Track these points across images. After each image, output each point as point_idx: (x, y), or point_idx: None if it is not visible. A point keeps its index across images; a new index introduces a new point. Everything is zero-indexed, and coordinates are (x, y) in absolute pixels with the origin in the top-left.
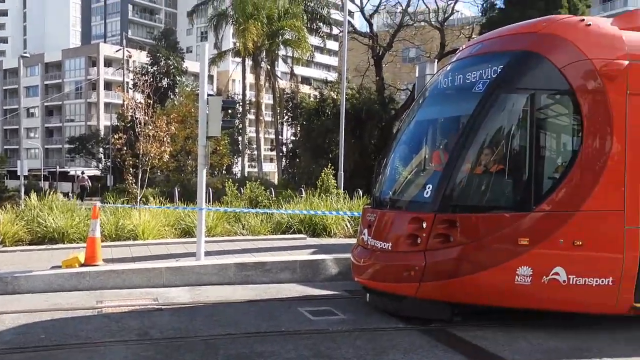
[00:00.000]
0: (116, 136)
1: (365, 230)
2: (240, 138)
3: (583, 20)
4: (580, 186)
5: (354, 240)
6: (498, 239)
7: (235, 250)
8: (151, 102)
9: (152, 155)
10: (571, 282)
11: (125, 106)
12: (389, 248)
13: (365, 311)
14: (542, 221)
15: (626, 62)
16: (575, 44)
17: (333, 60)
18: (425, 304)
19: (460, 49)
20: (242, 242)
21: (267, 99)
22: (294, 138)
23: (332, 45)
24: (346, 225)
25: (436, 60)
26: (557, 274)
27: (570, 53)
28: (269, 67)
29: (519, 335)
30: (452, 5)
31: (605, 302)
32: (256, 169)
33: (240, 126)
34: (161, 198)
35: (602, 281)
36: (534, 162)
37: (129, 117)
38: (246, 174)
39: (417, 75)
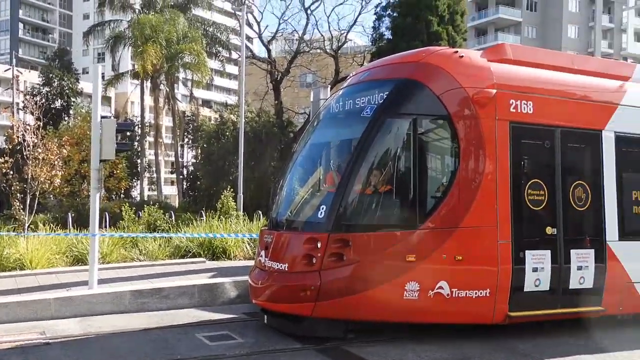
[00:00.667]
0: (1, 160)
1: (263, 252)
2: (139, 161)
3: (457, 52)
4: (459, 204)
5: (253, 263)
6: (388, 256)
7: (131, 277)
8: (41, 123)
9: (41, 179)
10: (454, 295)
11: (13, 128)
12: (286, 269)
13: (264, 333)
14: (427, 238)
15: (494, 91)
16: (450, 73)
17: (233, 84)
18: (321, 323)
19: (350, 75)
20: (139, 268)
21: (167, 121)
22: (194, 160)
23: (232, 69)
24: (246, 247)
25: (329, 85)
26: (441, 287)
27: (446, 81)
28: (168, 89)
29: (409, 349)
30: (345, 34)
31: (484, 313)
32: (156, 193)
33: (139, 149)
34: (52, 224)
35: (481, 293)
36: (418, 182)
37: (17, 140)
38: (146, 198)
39: (311, 100)
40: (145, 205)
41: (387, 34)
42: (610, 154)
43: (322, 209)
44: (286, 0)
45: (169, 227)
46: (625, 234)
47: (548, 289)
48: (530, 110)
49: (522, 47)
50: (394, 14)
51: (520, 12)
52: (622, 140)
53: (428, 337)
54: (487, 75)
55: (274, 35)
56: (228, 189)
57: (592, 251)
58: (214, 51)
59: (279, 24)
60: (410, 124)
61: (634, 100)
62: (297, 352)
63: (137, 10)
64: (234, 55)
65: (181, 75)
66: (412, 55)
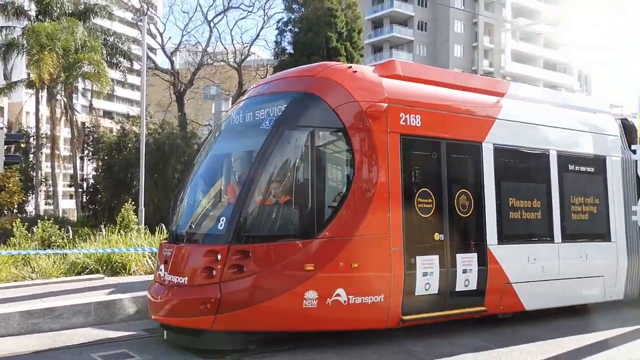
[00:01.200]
0: None
1: (162, 266)
2: (34, 174)
3: (351, 67)
4: (355, 213)
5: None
6: (287, 265)
7: (22, 297)
8: None
9: None
10: (351, 302)
11: None
12: (185, 282)
13: (163, 350)
14: (325, 247)
15: (386, 105)
16: (345, 87)
17: (135, 95)
18: (221, 336)
19: (251, 88)
20: (31, 287)
21: (66, 132)
22: (95, 173)
23: (134, 79)
24: (147, 262)
25: (231, 98)
26: (338, 295)
27: (342, 95)
28: (65, 100)
29: (309, 357)
30: (248, 47)
31: (380, 318)
32: (53, 207)
33: (35, 161)
34: None
35: (376, 299)
36: (315, 192)
37: None
38: (41, 213)
39: (213, 112)
40: (39, 221)
41: (289, 49)
42: (490, 164)
43: (222, 220)
44: (189, 13)
45: (65, 242)
46: (503, 238)
47: (437, 292)
48: (418, 123)
49: (411, 64)
50: (295, 29)
51: (412, 31)
52: (499, 151)
53: (329, 345)
54: (379, 90)
55: (177, 46)
56: (129, 202)
57: (475, 255)
58: (115, 61)
59: (182, 35)
60: (307, 136)
61: (509, 114)
62: None
63: (32, 18)
64: (136, 66)
65: (80, 85)
66: (309, 69)
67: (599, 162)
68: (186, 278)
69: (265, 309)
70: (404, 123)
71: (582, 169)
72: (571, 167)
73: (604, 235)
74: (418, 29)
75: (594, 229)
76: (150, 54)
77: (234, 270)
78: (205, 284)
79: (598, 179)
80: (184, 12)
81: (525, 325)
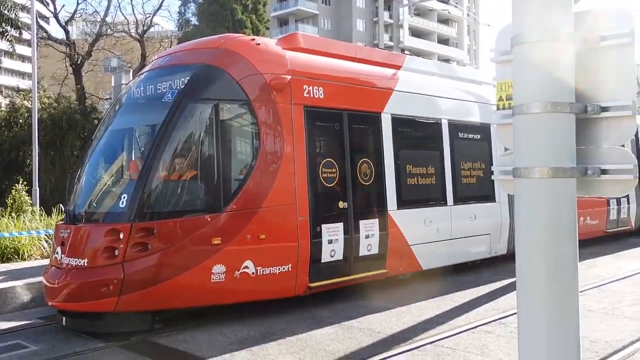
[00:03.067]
0: None
1: (59, 249)
2: None
3: (254, 39)
4: (261, 185)
5: None
6: (194, 241)
7: None
8: None
9: None
10: (259, 273)
11: None
12: (85, 264)
13: (62, 337)
14: (232, 220)
15: (289, 77)
16: (248, 60)
17: (27, 67)
18: (125, 318)
19: (152, 60)
20: None
21: None
22: None
23: (25, 50)
24: (43, 246)
25: (131, 70)
26: (247, 267)
27: (245, 68)
28: None
29: (217, 331)
30: (150, 18)
31: (288, 287)
32: None
33: None
34: None
35: (284, 268)
36: (221, 166)
37: None
38: None
39: (112, 84)
40: None
41: (194, 20)
42: (388, 134)
43: (124, 198)
44: None
45: None
46: (402, 203)
47: (342, 258)
48: (321, 95)
49: (312, 37)
50: (200, 1)
51: (317, 5)
52: (396, 121)
53: (235, 317)
54: (282, 62)
55: (72, 15)
56: (22, 183)
57: (376, 221)
58: (1, 30)
59: (78, 3)
60: (212, 109)
61: (405, 86)
62: (100, 352)
63: None
64: (26, 35)
65: None
66: (211, 41)
67: (485, 130)
68: (86, 260)
69: (172, 286)
70: (307, 95)
71: (470, 136)
72: (460, 135)
73: (490, 197)
74: (322, 3)
75: (481, 191)
76: (42, 23)
77: (137, 248)
78: (107, 264)
79: (484, 145)
80: None
81: (423, 284)
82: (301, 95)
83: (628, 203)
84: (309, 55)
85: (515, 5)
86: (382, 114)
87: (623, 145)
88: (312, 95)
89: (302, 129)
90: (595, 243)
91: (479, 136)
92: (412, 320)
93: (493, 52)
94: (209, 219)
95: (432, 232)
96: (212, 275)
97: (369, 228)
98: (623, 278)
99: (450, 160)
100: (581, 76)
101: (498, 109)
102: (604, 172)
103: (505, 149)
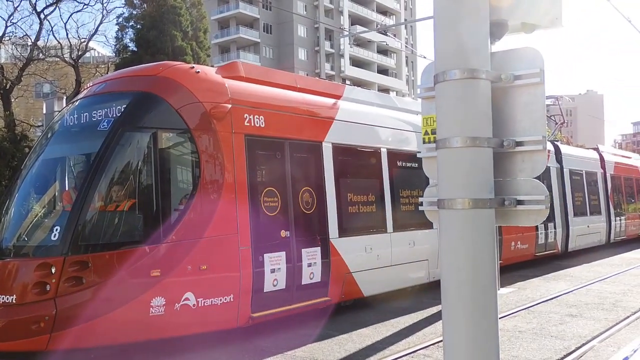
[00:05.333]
0: None
1: None
2: None
3: (193, 67)
4: (202, 215)
5: None
6: (132, 273)
7: None
8: None
9: None
10: (200, 305)
11: None
12: (14, 301)
13: None
14: (172, 251)
15: (230, 105)
16: (188, 88)
17: None
18: (58, 357)
19: (87, 87)
20: None
21: None
22: None
23: None
24: None
25: (65, 96)
26: (187, 299)
27: (184, 96)
28: None
29: None
30: (85, 43)
31: (230, 318)
32: None
33: None
34: None
35: (226, 299)
36: (160, 196)
37: None
38: None
39: (44, 111)
40: None
41: (132, 46)
42: (329, 162)
43: (56, 230)
44: (14, 2)
45: None
46: (343, 231)
47: (285, 287)
48: (262, 124)
49: (253, 65)
50: (138, 26)
51: (258, 33)
52: (337, 150)
53: (176, 351)
54: (222, 91)
55: (1, 38)
56: None
57: (318, 249)
58: None
59: (7, 27)
60: (150, 138)
61: (345, 115)
62: None
63: None
64: None
65: None
66: (149, 68)
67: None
68: (14, 296)
69: (109, 321)
70: (248, 124)
71: (408, 164)
72: (399, 164)
73: (427, 223)
74: (264, 31)
75: (419, 218)
76: None
77: (71, 283)
78: (37, 300)
79: (421, 173)
80: (8, 0)
81: (364, 311)
82: (242, 124)
83: (555, 228)
84: (249, 84)
85: (436, 44)
86: (323, 143)
87: (544, 177)
88: (253, 124)
89: (243, 158)
90: (526, 266)
91: (416, 164)
92: (354, 348)
93: (419, 89)
94: (148, 251)
95: (373, 259)
96: (151, 309)
97: (311, 256)
98: (550, 299)
99: (389, 188)
100: (498, 112)
101: (424, 142)
102: (519, 202)
103: (431, 181)
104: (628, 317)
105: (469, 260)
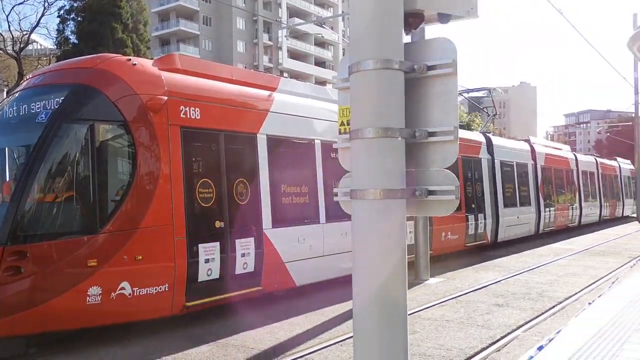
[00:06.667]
0: None
1: None
2: None
3: (130, 59)
4: (138, 206)
5: None
6: (69, 263)
7: None
8: None
9: None
10: (136, 294)
11: None
12: None
13: None
14: (108, 241)
15: (166, 98)
16: (125, 80)
17: None
18: None
19: (26, 79)
20: None
21: None
22: None
23: None
24: None
25: (7, 89)
26: (123, 288)
27: (121, 88)
28: None
29: (93, 354)
30: (27, 35)
31: (165, 306)
32: None
33: None
34: None
35: (160, 288)
36: (97, 187)
37: None
38: None
39: None
40: None
41: (73, 38)
42: (264, 154)
43: None
44: None
45: None
46: (277, 222)
47: (218, 276)
48: (198, 116)
49: (189, 57)
50: (79, 19)
51: (198, 26)
52: (272, 141)
53: (112, 339)
54: (159, 83)
55: None
56: None
57: (252, 239)
58: None
59: None
60: (87, 130)
61: (280, 107)
62: None
63: None
64: None
65: None
66: (86, 61)
67: None
68: None
69: (47, 309)
70: (184, 116)
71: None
72: (333, 155)
73: None
74: (204, 23)
75: None
76: None
77: (10, 272)
78: None
79: None
80: None
81: (297, 300)
82: (178, 116)
83: (485, 219)
84: (185, 76)
85: (352, 34)
86: (258, 134)
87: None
88: (188, 116)
89: (178, 150)
90: (456, 257)
91: None
92: (285, 336)
93: (335, 80)
94: (85, 241)
95: (306, 250)
96: (88, 298)
97: (245, 246)
98: (479, 289)
99: (322, 180)
100: (412, 103)
101: (340, 133)
102: (430, 193)
103: (346, 172)
104: (553, 307)
105: (380, 249)
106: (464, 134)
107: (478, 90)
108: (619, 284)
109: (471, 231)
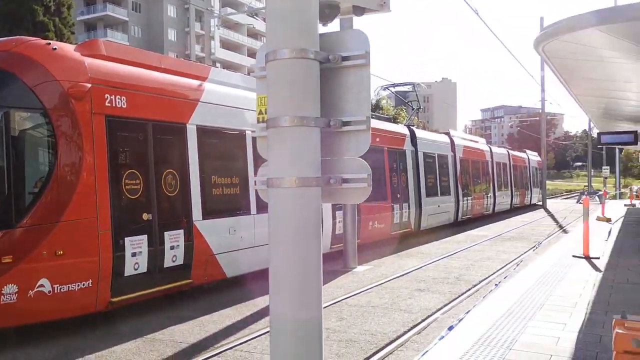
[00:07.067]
0: None
1: None
2: None
3: (49, 43)
4: (59, 198)
5: None
6: None
7: None
8: None
9: None
10: (57, 291)
11: None
12: None
13: None
14: (25, 236)
15: (89, 85)
16: (44, 65)
17: None
18: None
19: None
20: None
21: None
22: None
23: None
24: None
25: None
26: (42, 285)
27: (40, 74)
28: None
29: (9, 356)
30: None
31: (89, 303)
32: None
33: None
34: None
35: (84, 284)
36: (13, 178)
37: None
38: None
39: None
40: None
41: None
42: (194, 145)
43: None
44: None
45: None
46: (207, 213)
47: (146, 270)
48: (124, 104)
49: (115, 44)
50: None
51: (126, 11)
52: (202, 132)
53: (30, 338)
54: (82, 70)
55: None
56: None
57: (182, 231)
58: None
59: None
60: (1, 118)
61: (211, 97)
62: None
63: None
64: None
65: None
66: (1, 43)
67: None
68: None
69: None
70: (109, 104)
71: None
72: None
73: None
74: (133, 9)
75: None
76: None
77: None
78: None
79: None
80: None
81: (227, 292)
82: (102, 104)
83: (409, 208)
84: (111, 63)
85: (268, 22)
86: (187, 125)
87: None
88: (114, 105)
89: (103, 140)
90: (382, 245)
91: None
92: (215, 328)
93: (255, 68)
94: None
95: (237, 241)
96: (2, 297)
97: (174, 239)
98: (402, 275)
99: (254, 171)
100: (327, 93)
101: (258, 122)
102: (345, 181)
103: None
104: (469, 289)
105: (296, 237)
106: (390, 126)
107: (403, 84)
108: (525, 267)
109: (396, 220)
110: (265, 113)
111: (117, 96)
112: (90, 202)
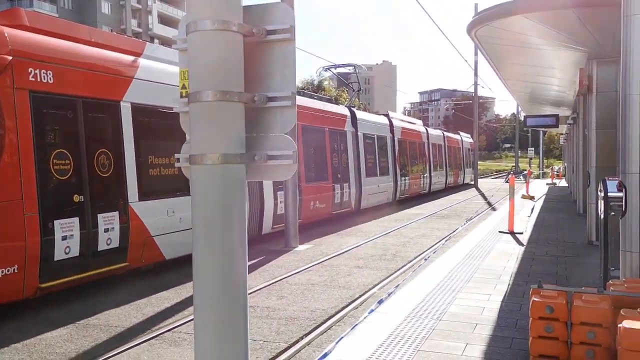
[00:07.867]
0: None
1: None
2: None
3: None
4: None
5: None
6: None
7: None
8: None
9: None
10: None
11: None
12: None
13: None
14: None
15: (10, 58)
16: None
17: None
18: None
19: None
20: None
21: None
22: None
23: None
24: None
25: None
26: None
27: None
28: None
29: None
30: None
31: (15, 290)
32: None
33: None
34: None
35: (9, 270)
36: None
37: None
38: None
39: None
40: None
41: None
42: (128, 123)
43: None
44: None
45: None
46: (144, 194)
47: (78, 254)
48: (50, 79)
49: (39, 14)
50: None
51: None
52: (137, 110)
53: None
54: (2, 41)
55: None
56: None
57: (116, 213)
58: None
59: None
60: None
61: (146, 74)
62: None
63: None
64: None
65: None
66: None
67: None
68: None
69: None
70: (33, 79)
71: None
72: None
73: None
74: None
75: None
76: None
77: None
78: None
79: None
80: None
81: (165, 274)
82: (26, 78)
83: (349, 188)
84: (35, 35)
85: None
86: (121, 102)
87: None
88: (39, 80)
89: (28, 117)
90: (324, 224)
91: None
92: (152, 311)
93: (176, 39)
94: None
95: (175, 222)
96: None
97: (108, 221)
98: (342, 253)
99: None
100: (251, 68)
101: (180, 97)
102: (270, 157)
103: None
104: (404, 265)
105: (219, 215)
106: (331, 107)
107: (345, 66)
108: (456, 243)
109: (337, 200)
110: (188, 87)
111: (43, 70)
112: (14, 184)
